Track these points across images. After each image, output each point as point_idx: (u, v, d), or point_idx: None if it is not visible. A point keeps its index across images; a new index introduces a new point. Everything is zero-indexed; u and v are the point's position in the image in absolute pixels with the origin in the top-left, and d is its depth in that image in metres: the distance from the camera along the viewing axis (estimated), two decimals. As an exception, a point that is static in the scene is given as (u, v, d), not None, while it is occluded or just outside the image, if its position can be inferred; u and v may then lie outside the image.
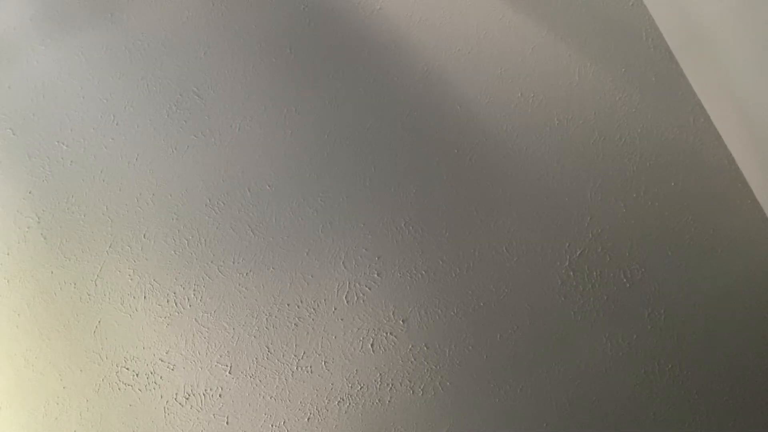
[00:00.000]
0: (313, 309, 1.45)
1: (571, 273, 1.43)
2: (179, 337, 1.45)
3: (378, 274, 1.47)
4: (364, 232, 1.51)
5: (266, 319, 1.45)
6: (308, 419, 1.38)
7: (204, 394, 1.40)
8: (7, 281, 1.54)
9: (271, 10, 1.81)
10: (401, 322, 1.43)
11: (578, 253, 1.45)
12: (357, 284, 1.47)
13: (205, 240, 1.54)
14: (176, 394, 1.41)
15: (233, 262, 1.51)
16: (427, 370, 1.39)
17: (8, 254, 1.57)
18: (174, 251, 1.53)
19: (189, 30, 1.80)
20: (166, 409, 1.40)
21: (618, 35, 1.65)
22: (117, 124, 1.69)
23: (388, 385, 1.39)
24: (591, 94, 1.59)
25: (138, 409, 1.40)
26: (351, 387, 1.39)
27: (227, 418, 1.38)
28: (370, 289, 1.46)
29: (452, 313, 1.43)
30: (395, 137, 1.61)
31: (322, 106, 1.66)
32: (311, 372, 1.41)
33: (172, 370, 1.43)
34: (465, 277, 1.45)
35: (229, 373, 1.42)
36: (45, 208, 1.61)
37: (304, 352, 1.42)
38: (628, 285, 1.41)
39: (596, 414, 1.33)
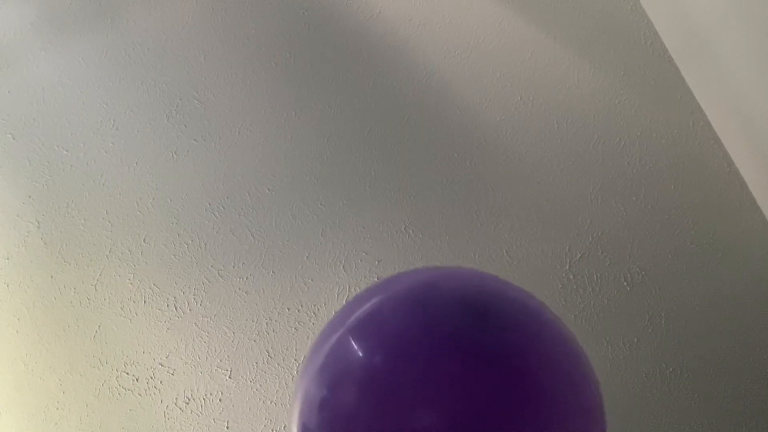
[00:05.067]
0: (314, 313, 1.45)
1: (572, 276, 1.43)
2: (179, 342, 1.45)
3: (378, 278, 1.47)
4: (364, 235, 1.51)
5: (266, 323, 1.45)
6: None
7: (204, 399, 1.40)
8: (7, 286, 1.54)
9: (270, 14, 1.81)
10: (401, 326, 1.43)
11: (579, 256, 1.44)
12: (357, 288, 1.47)
13: (205, 244, 1.54)
14: (176, 398, 1.41)
15: (233, 267, 1.51)
16: (428, 374, 1.39)
17: (8, 259, 1.57)
18: (174, 255, 1.53)
19: (189, 35, 1.80)
20: (166, 414, 1.39)
21: (617, 39, 1.66)
22: (117, 129, 1.69)
23: (388, 389, 1.38)
24: (590, 98, 1.60)
25: (138, 413, 1.40)
26: (351, 391, 1.39)
27: (227, 422, 1.38)
28: (370, 293, 1.46)
29: (452, 317, 1.42)
30: (395, 141, 1.61)
31: (321, 110, 1.66)
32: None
33: (172, 374, 1.43)
34: (465, 280, 1.45)
35: (229, 377, 1.41)
36: (45, 213, 1.61)
37: (304, 357, 1.42)
38: (628, 288, 1.41)
39: (597, 418, 1.32)
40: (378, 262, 1.48)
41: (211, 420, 1.38)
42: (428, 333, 0.68)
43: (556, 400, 0.67)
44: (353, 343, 0.72)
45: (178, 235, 1.56)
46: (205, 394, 1.40)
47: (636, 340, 1.36)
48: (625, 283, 1.41)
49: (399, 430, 0.63)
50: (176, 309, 1.48)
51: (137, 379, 1.43)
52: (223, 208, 1.57)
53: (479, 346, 0.67)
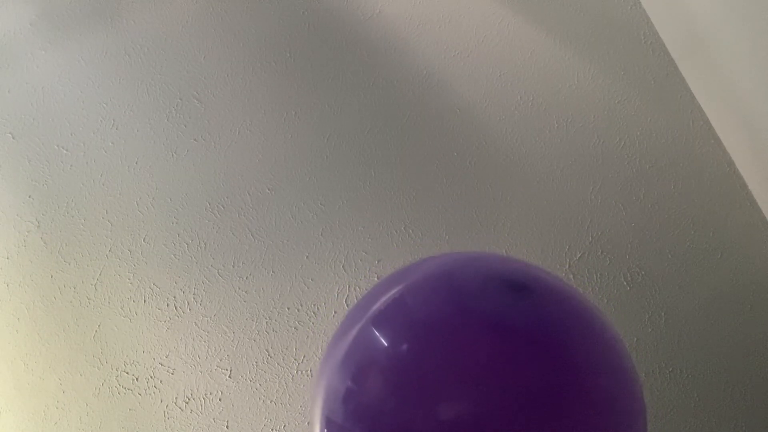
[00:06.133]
0: (313, 312, 1.45)
1: (572, 276, 1.43)
2: (179, 341, 1.45)
3: (378, 278, 1.47)
4: (363, 235, 1.51)
5: (266, 322, 1.45)
6: (309, 423, 1.38)
7: (204, 398, 1.40)
8: (7, 285, 1.54)
9: (270, 14, 1.81)
10: (401, 326, 1.43)
11: (578, 256, 1.45)
12: (357, 287, 1.47)
13: (205, 244, 1.54)
14: (176, 398, 1.41)
15: (233, 266, 1.51)
16: (428, 373, 1.39)
17: (8, 258, 1.57)
18: (174, 255, 1.53)
19: (188, 34, 1.80)
20: (166, 414, 1.40)
21: (617, 38, 1.66)
22: (117, 129, 1.69)
23: (388, 388, 1.38)
24: (590, 97, 1.60)
25: (138, 413, 1.40)
26: (351, 391, 1.39)
27: (227, 422, 1.38)
28: (370, 292, 1.46)
29: (452, 317, 1.42)
30: (395, 140, 1.61)
31: (321, 109, 1.66)
32: (311, 376, 1.41)
33: (172, 374, 1.43)
34: (465, 280, 1.45)
35: (229, 377, 1.41)
36: (45, 213, 1.61)
37: (304, 356, 1.42)
38: (628, 288, 1.41)
39: (597, 417, 1.32)
40: (378, 261, 1.49)
41: (211, 419, 1.38)
42: (459, 313, 0.62)
43: (602, 390, 0.61)
44: (377, 330, 0.66)
45: (178, 234, 1.56)
46: (205, 394, 1.40)
47: (636, 339, 1.36)
48: (625, 283, 1.41)
49: (430, 420, 0.57)
50: (176, 308, 1.48)
51: (137, 379, 1.43)
52: (223, 207, 1.57)
53: (520, 325, 0.60)
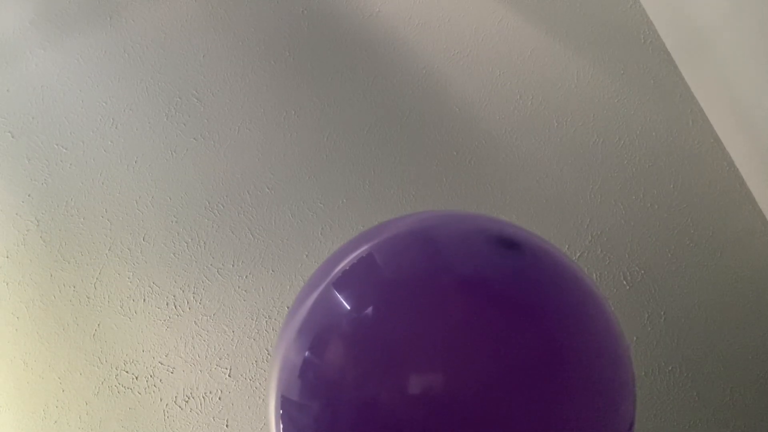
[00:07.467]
0: (313, 311, 1.45)
1: (571, 275, 1.43)
2: (179, 340, 1.45)
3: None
4: (363, 234, 1.51)
5: (266, 321, 1.45)
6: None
7: (203, 397, 1.40)
8: (6, 284, 1.54)
9: (270, 13, 1.81)
10: (401, 325, 1.43)
11: (578, 255, 1.45)
12: (356, 287, 1.46)
13: (204, 242, 1.54)
14: (176, 397, 1.41)
15: (233, 265, 1.51)
16: (427, 372, 1.38)
17: (7, 257, 1.57)
18: (173, 254, 1.53)
19: (188, 33, 1.80)
20: (166, 412, 1.40)
21: (616, 37, 1.66)
22: (116, 127, 1.69)
23: (387, 387, 1.38)
24: (590, 97, 1.60)
25: (137, 412, 1.40)
26: (351, 389, 1.39)
27: (227, 420, 1.38)
28: (369, 291, 1.46)
29: (452, 316, 1.42)
30: (394, 139, 1.61)
31: (321, 108, 1.66)
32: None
33: (172, 372, 1.43)
34: (464, 279, 1.45)
35: (229, 375, 1.41)
36: (44, 211, 1.61)
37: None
38: (627, 287, 1.41)
39: (596, 416, 1.32)
40: (377, 260, 1.48)
41: (211, 418, 1.38)
42: (434, 270, 0.53)
43: (592, 364, 0.54)
44: (339, 292, 0.58)
45: (178, 233, 1.56)
46: (205, 393, 1.40)
47: (635, 338, 1.37)
48: (624, 282, 1.41)
49: (397, 394, 0.50)
50: (176, 307, 1.48)
51: (137, 378, 1.43)
52: (223, 206, 1.57)
53: (508, 285, 0.52)
